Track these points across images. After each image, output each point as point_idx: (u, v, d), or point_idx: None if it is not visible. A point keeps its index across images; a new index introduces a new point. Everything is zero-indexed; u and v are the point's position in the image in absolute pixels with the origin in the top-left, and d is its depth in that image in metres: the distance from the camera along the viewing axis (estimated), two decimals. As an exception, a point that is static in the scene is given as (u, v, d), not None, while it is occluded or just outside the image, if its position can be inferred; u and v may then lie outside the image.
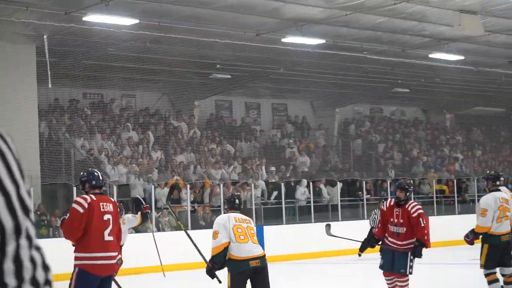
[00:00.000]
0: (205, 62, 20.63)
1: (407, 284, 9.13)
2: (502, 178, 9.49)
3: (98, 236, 6.77)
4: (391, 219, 8.95)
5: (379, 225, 9.45)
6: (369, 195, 21.91)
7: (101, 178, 7.20)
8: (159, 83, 22.09)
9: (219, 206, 17.90)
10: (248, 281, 7.43)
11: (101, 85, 21.01)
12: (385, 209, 9.12)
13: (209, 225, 17.63)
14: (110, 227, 6.92)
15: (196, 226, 17.57)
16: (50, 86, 17.20)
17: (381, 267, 9.27)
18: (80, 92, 21.14)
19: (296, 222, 20.05)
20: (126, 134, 20.41)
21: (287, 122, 25.38)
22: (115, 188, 16.95)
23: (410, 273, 8.98)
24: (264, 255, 7.51)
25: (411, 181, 10.18)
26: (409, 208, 8.90)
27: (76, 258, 6.88)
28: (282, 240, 18.27)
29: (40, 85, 17.88)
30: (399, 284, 9.08)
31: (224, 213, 7.82)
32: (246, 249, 7.29)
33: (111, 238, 6.88)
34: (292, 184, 21.02)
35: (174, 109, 23.06)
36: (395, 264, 8.99)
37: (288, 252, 18.15)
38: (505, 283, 9.30)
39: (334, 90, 24.83)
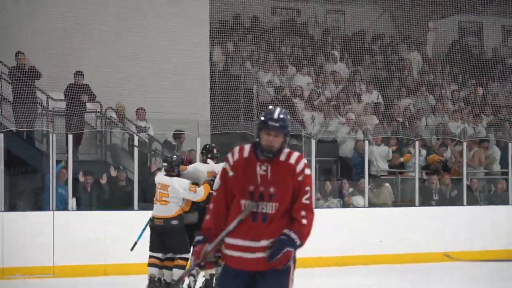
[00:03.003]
0: (446, -35, 17.95)
1: None
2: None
3: None
4: None
5: None
6: None
7: None
8: (378, -6, 19.86)
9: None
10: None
11: (297, -4, 19.07)
12: None
13: (441, 202, 15.38)
14: None
15: (426, 202, 15.35)
16: (227, -5, 16.23)
17: None
18: (267, 5, 19.04)
19: None
20: (330, 66, 18.29)
21: (561, 56, 22.28)
22: (313, 142, 14.72)
23: None
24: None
25: None
26: None
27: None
28: None
29: (214, -5, 16.91)
30: None
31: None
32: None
33: None
34: None
35: (399, 33, 20.65)
36: None
37: None
38: None
39: None
